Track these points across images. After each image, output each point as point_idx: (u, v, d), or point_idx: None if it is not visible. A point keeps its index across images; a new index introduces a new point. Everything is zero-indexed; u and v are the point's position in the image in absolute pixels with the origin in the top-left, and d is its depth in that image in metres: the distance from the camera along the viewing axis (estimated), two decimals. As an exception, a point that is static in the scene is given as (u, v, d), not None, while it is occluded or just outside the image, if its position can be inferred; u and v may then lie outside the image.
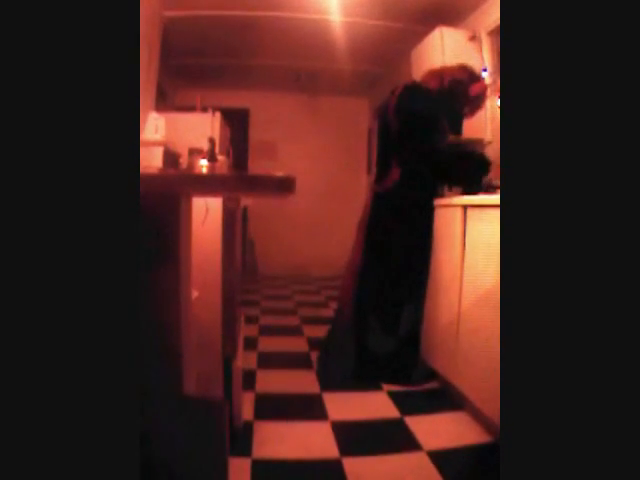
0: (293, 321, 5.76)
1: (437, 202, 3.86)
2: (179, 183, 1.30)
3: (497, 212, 2.73)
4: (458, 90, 3.89)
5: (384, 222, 3.91)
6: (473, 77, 3.97)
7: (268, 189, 1.31)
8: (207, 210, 2.29)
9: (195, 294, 1.84)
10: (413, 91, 3.94)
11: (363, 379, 3.79)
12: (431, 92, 3.88)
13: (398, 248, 3.84)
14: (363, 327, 3.92)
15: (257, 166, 9.40)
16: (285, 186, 1.25)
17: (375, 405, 3.37)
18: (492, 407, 2.70)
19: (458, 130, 4.05)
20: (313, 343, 4.69)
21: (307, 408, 3.29)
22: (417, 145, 3.79)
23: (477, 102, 4.01)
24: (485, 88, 4.00)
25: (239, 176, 1.53)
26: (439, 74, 3.99)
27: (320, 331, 4.60)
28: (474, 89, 3.91)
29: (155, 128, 4.45)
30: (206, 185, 1.33)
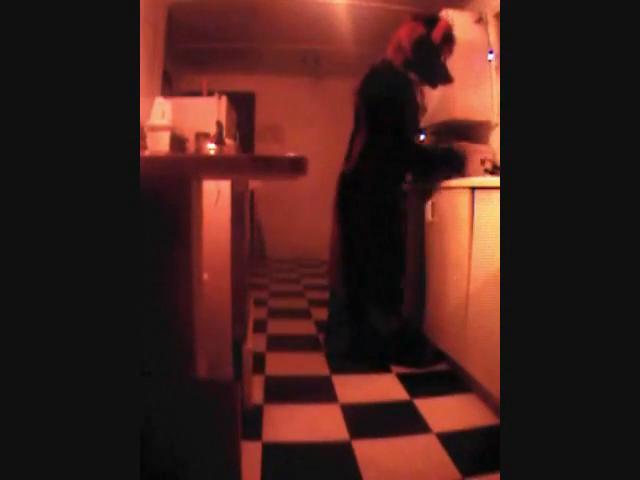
0: (301, 304, 5.78)
1: (443, 184, 3.86)
2: (190, 165, 1.30)
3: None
4: (424, 48, 3.80)
5: (350, 199, 3.94)
6: (429, 25, 3.84)
7: (280, 170, 1.30)
8: (219, 192, 2.29)
9: (205, 277, 1.85)
10: (377, 73, 3.96)
11: (361, 360, 3.81)
12: (396, 68, 3.84)
13: (366, 224, 3.84)
14: (356, 306, 3.93)
15: (263, 150, 9.39)
16: (297, 167, 1.24)
17: (384, 387, 3.38)
18: (501, 389, 2.71)
19: (445, 79, 4.01)
20: (321, 326, 4.69)
21: (317, 391, 3.31)
22: (381, 128, 3.78)
23: (447, 43, 3.91)
24: (446, 25, 3.87)
25: (251, 157, 1.54)
26: (397, 45, 3.88)
27: (328, 314, 4.61)
28: (436, 35, 3.80)
29: (162, 113, 4.44)
30: (217, 167, 1.33)
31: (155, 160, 1.26)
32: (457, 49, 4.84)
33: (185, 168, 1.28)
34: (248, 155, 2.24)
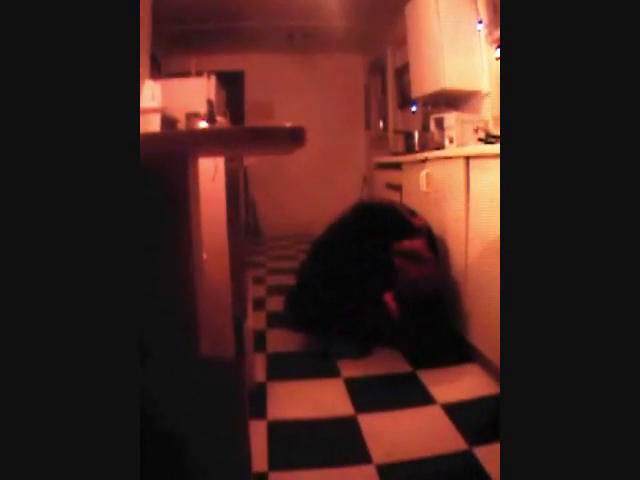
0: (299, 280, 5.78)
1: (436, 154, 3.86)
2: (186, 140, 1.28)
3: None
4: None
5: None
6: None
7: (279, 141, 1.29)
8: (216, 168, 2.28)
9: (204, 257, 1.84)
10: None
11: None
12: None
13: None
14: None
15: (255, 128, 9.39)
16: (296, 137, 1.23)
17: (387, 360, 3.38)
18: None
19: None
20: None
21: (319, 366, 3.32)
22: None
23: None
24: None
25: (249, 129, 1.52)
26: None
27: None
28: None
29: (151, 96, 4.42)
30: (214, 141, 1.31)
31: (149, 137, 1.24)
32: (446, 19, 4.85)
33: (181, 144, 1.27)
34: (246, 127, 2.22)
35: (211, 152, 1.86)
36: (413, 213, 3.89)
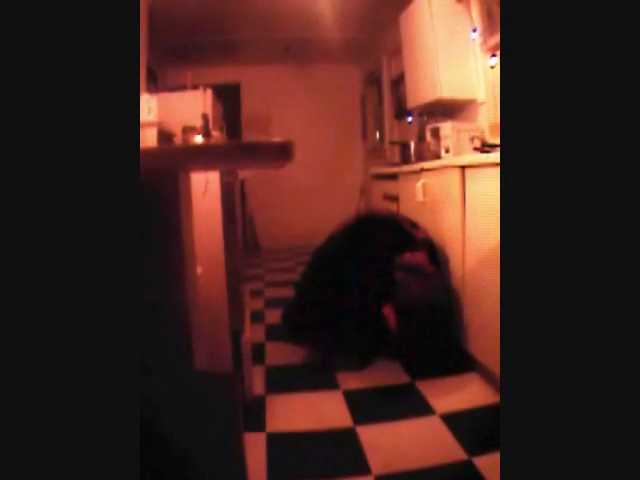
0: (298, 293, 5.76)
1: (432, 164, 3.86)
2: (175, 156, 1.28)
3: (496, 171, 2.72)
4: None
5: None
6: None
7: (267, 156, 1.29)
8: (207, 182, 2.28)
9: (199, 271, 1.84)
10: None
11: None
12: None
13: None
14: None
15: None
16: (284, 152, 1.23)
17: (386, 372, 3.37)
18: (502, 366, 2.71)
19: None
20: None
21: (318, 378, 3.31)
22: None
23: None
24: None
25: (236, 144, 1.52)
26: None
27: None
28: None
29: (148, 109, 4.42)
30: (203, 156, 1.31)
31: (142, 152, 1.24)
32: (441, 28, 4.84)
33: (170, 159, 1.27)
34: (233, 142, 2.22)
35: (202, 167, 1.86)
36: (414, 225, 3.89)
